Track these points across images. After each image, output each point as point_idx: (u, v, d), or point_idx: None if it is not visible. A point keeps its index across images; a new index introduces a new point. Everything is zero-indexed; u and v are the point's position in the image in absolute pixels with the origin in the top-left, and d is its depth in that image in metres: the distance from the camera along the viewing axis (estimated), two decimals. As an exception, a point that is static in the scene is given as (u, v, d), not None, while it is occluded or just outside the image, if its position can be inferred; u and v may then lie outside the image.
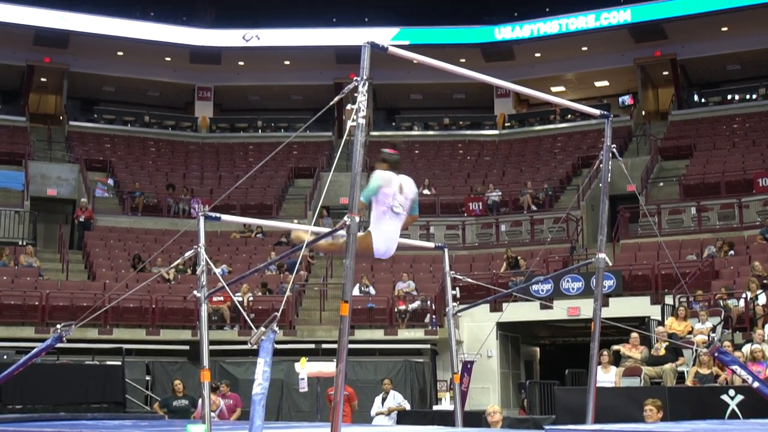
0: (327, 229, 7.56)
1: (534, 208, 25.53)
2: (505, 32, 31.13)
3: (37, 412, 14.19)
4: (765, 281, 16.93)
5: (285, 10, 31.51)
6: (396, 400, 15.31)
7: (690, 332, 15.47)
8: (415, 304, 20.49)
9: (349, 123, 5.83)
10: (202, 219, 8.10)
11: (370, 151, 28.92)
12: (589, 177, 25.38)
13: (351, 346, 5.87)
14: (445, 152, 31.31)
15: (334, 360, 5.88)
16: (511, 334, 21.38)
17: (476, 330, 19.95)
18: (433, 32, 31.37)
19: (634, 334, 14.89)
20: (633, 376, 14.42)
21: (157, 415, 14.42)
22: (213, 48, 31.48)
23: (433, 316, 19.97)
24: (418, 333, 20.06)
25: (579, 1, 30.03)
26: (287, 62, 32.27)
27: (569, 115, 31.10)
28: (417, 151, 31.48)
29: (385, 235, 6.61)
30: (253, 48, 31.51)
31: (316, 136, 31.45)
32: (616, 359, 14.98)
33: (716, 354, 8.92)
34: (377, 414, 15.20)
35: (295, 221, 24.30)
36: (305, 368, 13.91)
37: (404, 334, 20.15)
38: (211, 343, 8.55)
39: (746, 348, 14.14)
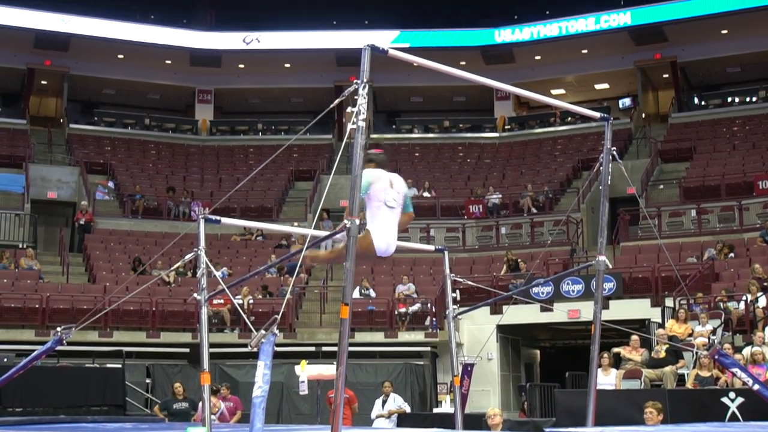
0: (325, 232, 7.56)
1: (534, 210, 25.54)
2: (505, 35, 31.15)
3: (37, 415, 14.20)
4: (765, 284, 16.92)
5: (285, 12, 31.53)
6: (396, 402, 15.30)
7: (690, 335, 15.47)
8: (416, 307, 20.50)
9: (350, 126, 5.83)
10: (202, 222, 8.11)
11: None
12: (589, 179, 25.40)
13: (351, 348, 5.87)
14: (446, 155, 31.32)
15: (335, 363, 5.88)
16: (511, 336, 21.37)
17: (476, 332, 19.95)
18: (434, 35, 31.40)
19: (635, 337, 14.89)
20: (633, 378, 14.42)
21: (157, 418, 14.43)
22: (213, 51, 31.50)
23: (434, 319, 19.97)
24: (418, 335, 20.06)
25: (579, 3, 30.05)
26: (287, 65, 32.29)
27: (569, 118, 31.11)
28: (417, 154, 31.50)
29: (384, 230, 6.57)
30: (254, 51, 31.53)
31: (316, 138, 31.46)
32: (617, 362, 14.98)
33: (716, 356, 8.93)
34: (377, 417, 15.19)
35: (295, 224, 24.33)
36: (305, 371, 13.90)
37: (404, 336, 20.15)
38: (212, 345, 8.54)
39: (746, 350, 14.13)
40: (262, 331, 6.59)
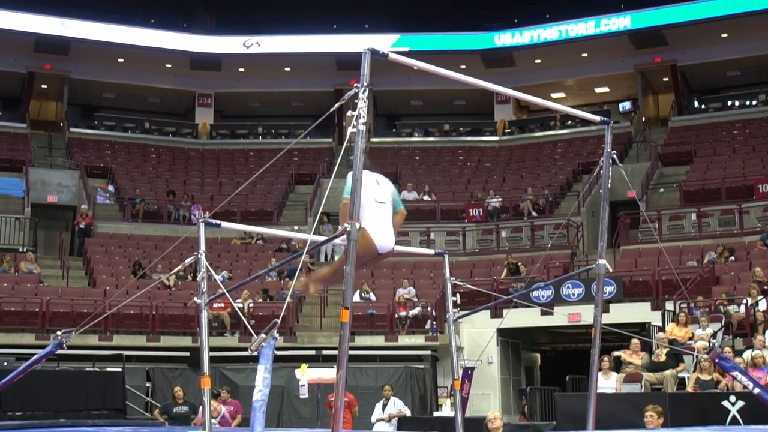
0: (323, 237, 7.56)
1: (534, 214, 25.54)
2: (505, 38, 31.18)
3: (38, 418, 14.21)
4: (765, 287, 16.92)
5: (285, 16, 31.54)
6: (396, 406, 15.30)
7: (691, 338, 15.47)
8: (416, 311, 20.49)
9: (350, 129, 5.82)
10: (202, 225, 8.11)
11: (370, 158, 29.11)
12: (589, 183, 25.41)
13: (351, 352, 5.86)
14: (446, 158, 31.33)
15: (335, 366, 5.87)
16: (511, 340, 21.37)
17: (477, 336, 19.95)
18: (434, 38, 31.43)
19: (635, 340, 14.89)
20: (634, 382, 14.41)
21: (157, 422, 14.43)
22: (213, 54, 31.52)
23: (434, 323, 19.96)
24: (418, 339, 20.05)
25: (579, 7, 30.07)
26: (288, 69, 32.31)
27: (569, 122, 31.13)
28: (417, 158, 31.52)
29: (379, 226, 6.58)
30: (254, 54, 31.55)
31: (316, 142, 31.48)
32: (617, 365, 14.98)
33: (717, 360, 8.92)
34: (378, 420, 15.19)
35: (296, 228, 24.36)
36: (306, 375, 13.90)
37: (405, 340, 20.14)
38: (212, 349, 8.54)
39: (747, 354, 14.13)
40: (263, 335, 6.59)
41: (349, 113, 5.77)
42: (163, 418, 14.37)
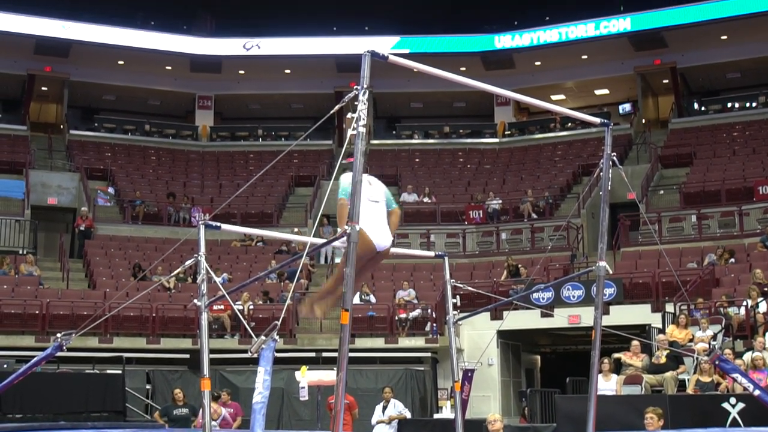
0: (324, 239, 7.55)
1: (534, 216, 25.54)
2: (505, 41, 31.17)
3: (38, 421, 14.22)
4: (766, 289, 16.91)
5: (285, 18, 31.55)
6: (397, 408, 15.29)
7: (691, 340, 15.47)
8: (416, 313, 20.48)
9: (350, 131, 5.83)
10: (202, 228, 8.11)
11: (370, 160, 29.14)
12: (589, 185, 25.40)
13: (351, 354, 5.87)
14: (446, 160, 31.33)
15: (335, 368, 5.87)
16: (511, 342, 21.37)
17: (477, 338, 19.95)
18: (433, 41, 31.42)
19: (635, 342, 14.88)
20: (634, 384, 14.41)
21: (157, 424, 14.44)
22: (213, 57, 31.52)
23: (434, 325, 19.95)
24: (418, 341, 20.04)
25: (579, 9, 30.07)
26: (288, 71, 32.31)
27: (569, 124, 31.12)
28: (417, 160, 31.52)
29: (374, 224, 6.62)
30: (254, 57, 31.55)
31: (316, 144, 31.48)
32: (617, 367, 14.97)
33: (717, 362, 8.93)
34: (378, 422, 15.18)
35: (296, 230, 24.36)
36: (306, 377, 13.90)
37: (405, 342, 20.14)
38: (212, 351, 8.54)
39: (747, 356, 14.12)
40: (263, 337, 6.60)
41: (349, 115, 5.77)
42: (163, 420, 14.38)
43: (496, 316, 19.54)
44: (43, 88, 31.48)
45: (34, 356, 9.46)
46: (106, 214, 26.69)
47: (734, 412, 11.97)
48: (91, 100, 32.67)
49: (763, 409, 8.45)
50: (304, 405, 17.19)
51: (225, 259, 24.19)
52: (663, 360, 14.60)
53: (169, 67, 31.94)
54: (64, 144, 30.25)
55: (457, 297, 10.33)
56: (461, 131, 32.65)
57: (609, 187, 8.09)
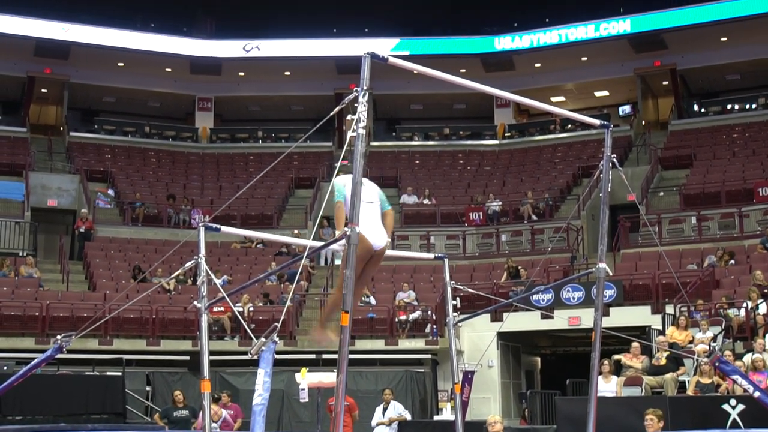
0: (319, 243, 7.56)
1: (534, 217, 25.54)
2: (505, 42, 31.18)
3: (37, 423, 14.21)
4: (766, 290, 16.92)
5: (285, 20, 31.57)
6: (397, 410, 15.30)
7: (691, 342, 15.47)
8: (416, 314, 20.48)
9: (350, 133, 5.83)
10: (202, 229, 8.10)
11: (370, 162, 29.15)
12: (589, 187, 25.40)
13: (351, 356, 5.87)
14: (446, 162, 31.33)
15: (335, 370, 5.87)
16: (511, 343, 21.37)
17: (477, 340, 19.94)
18: (434, 42, 31.44)
19: (635, 344, 14.88)
20: (634, 385, 14.41)
21: (157, 426, 14.44)
22: (213, 59, 31.54)
23: (434, 326, 19.95)
24: (418, 343, 20.04)
25: (579, 11, 30.09)
26: (288, 73, 32.33)
27: (569, 125, 31.12)
28: (417, 161, 31.52)
29: (369, 224, 6.67)
30: (254, 58, 31.57)
31: (316, 146, 31.48)
32: (617, 369, 14.97)
33: (717, 363, 8.93)
34: (378, 424, 15.18)
35: (296, 231, 24.35)
36: (306, 378, 13.90)
37: (405, 344, 20.13)
38: (212, 353, 8.53)
39: (747, 357, 14.13)
40: (263, 339, 6.59)
41: (349, 117, 5.77)
42: (164, 422, 14.37)
43: (496, 317, 19.54)
44: (43, 90, 31.50)
45: (34, 358, 9.45)
46: (106, 215, 26.68)
47: (734, 414, 11.97)
48: (91, 102, 32.69)
49: (764, 411, 8.45)
50: (304, 407, 17.19)
51: (225, 261, 24.19)
52: (663, 361, 14.60)
53: (169, 69, 31.95)
54: (64, 146, 30.24)
55: (457, 299, 10.35)
56: (461, 133, 32.65)
57: (609, 189, 8.09)
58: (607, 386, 14.08)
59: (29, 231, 24.58)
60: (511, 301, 13.87)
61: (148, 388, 18.74)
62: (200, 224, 8.13)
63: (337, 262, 23.01)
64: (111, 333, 19.66)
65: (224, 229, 8.65)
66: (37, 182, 26.74)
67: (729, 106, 30.53)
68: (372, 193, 6.87)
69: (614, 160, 8.03)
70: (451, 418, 13.94)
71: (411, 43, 31.13)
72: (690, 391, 13.73)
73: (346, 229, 5.85)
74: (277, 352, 6.83)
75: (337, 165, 7.14)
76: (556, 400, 15.14)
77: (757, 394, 8.34)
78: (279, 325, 6.56)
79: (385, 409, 15.27)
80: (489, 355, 19.59)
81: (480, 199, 26.94)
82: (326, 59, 31.28)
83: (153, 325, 20.19)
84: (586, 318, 16.93)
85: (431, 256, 11.25)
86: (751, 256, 20.49)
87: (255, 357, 6.72)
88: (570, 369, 18.81)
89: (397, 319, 20.38)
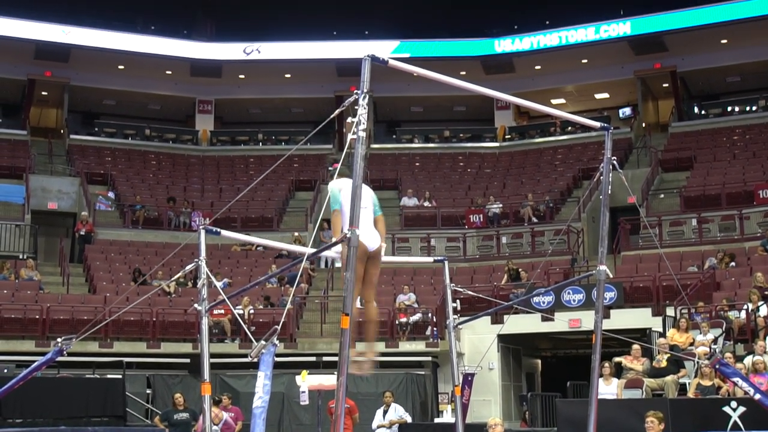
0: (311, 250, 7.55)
1: (535, 220, 25.53)
2: (505, 45, 31.20)
3: (38, 426, 14.21)
4: (766, 292, 16.91)
5: (285, 23, 31.59)
6: (397, 412, 15.29)
7: (691, 344, 15.46)
8: (416, 317, 20.48)
9: (350, 136, 5.83)
10: (202, 232, 8.11)
11: (370, 164, 29.16)
12: (589, 189, 25.41)
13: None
14: (446, 164, 31.34)
15: (335, 373, 5.87)
16: (512, 346, 21.35)
17: (477, 342, 19.92)
18: (434, 45, 31.46)
19: (636, 346, 14.88)
20: (635, 388, 14.40)
21: (157, 429, 14.43)
22: (213, 61, 31.55)
23: (434, 329, 19.94)
24: (419, 345, 20.04)
25: (579, 13, 30.10)
26: (288, 75, 32.33)
27: (569, 128, 31.12)
28: (417, 164, 31.52)
29: (363, 227, 6.67)
30: (254, 61, 31.58)
31: (316, 148, 31.47)
32: (618, 371, 14.97)
33: (718, 366, 8.93)
34: (378, 427, 15.18)
35: (296, 234, 24.38)
36: (306, 381, 13.89)
37: (405, 346, 20.13)
38: (212, 356, 8.53)
39: (748, 360, 14.11)
40: (263, 342, 6.59)
41: (349, 120, 5.77)
42: (164, 425, 14.36)
43: (497, 320, 19.52)
44: (44, 93, 31.49)
45: (34, 361, 9.46)
46: (106, 218, 26.68)
47: (735, 416, 11.95)
48: (92, 105, 32.69)
49: (764, 413, 8.45)
50: (304, 409, 17.17)
51: (225, 264, 24.18)
52: (664, 364, 14.59)
53: (170, 72, 31.96)
54: (65, 148, 30.25)
55: (458, 301, 10.31)
56: (461, 135, 32.66)
57: (609, 191, 8.09)
58: (608, 389, 14.07)
59: (29, 234, 24.58)
60: (511, 303, 13.87)
61: (148, 391, 18.73)
62: (201, 227, 8.13)
63: (338, 264, 23.01)
64: (111, 336, 19.67)
65: (224, 233, 8.66)
66: (37, 185, 26.74)
67: (729, 108, 30.53)
68: (366, 198, 6.87)
69: (614, 162, 8.04)
70: (452, 420, 13.95)
71: (411, 45, 31.15)
72: (691, 394, 13.71)
73: (346, 231, 5.85)
74: (278, 355, 6.83)
75: (331, 169, 7.15)
76: (556, 402, 15.14)
77: (757, 396, 8.34)
78: (279, 327, 6.56)
79: (385, 412, 15.27)
80: (489, 357, 19.58)
81: (480, 201, 26.94)
82: (326, 62, 31.30)
83: (153, 327, 20.18)
84: (586, 320, 16.93)
85: (431, 259, 11.25)
86: (751, 258, 20.48)
87: (255, 360, 6.72)
88: (570, 371, 18.79)
89: (397, 322, 20.38)
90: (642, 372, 14.70)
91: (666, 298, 18.91)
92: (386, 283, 23.14)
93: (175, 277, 11.09)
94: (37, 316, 19.64)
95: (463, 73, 29.91)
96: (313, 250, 7.36)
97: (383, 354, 20.11)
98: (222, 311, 19.43)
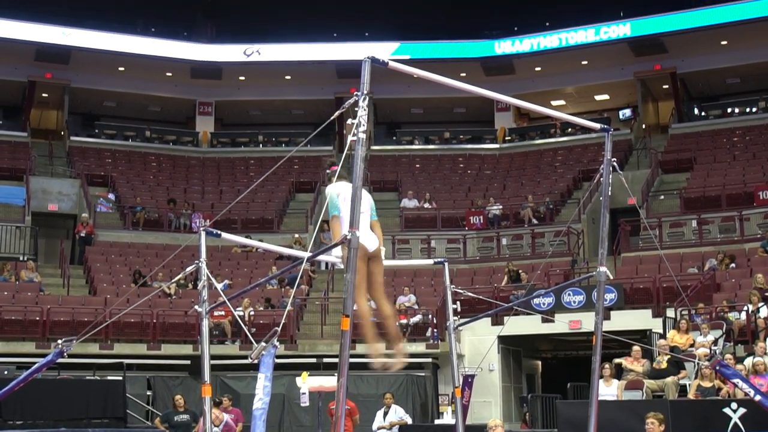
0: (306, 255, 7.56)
1: (535, 221, 25.54)
2: (505, 46, 31.22)
3: (38, 427, 14.22)
4: (766, 294, 16.91)
5: (286, 24, 31.60)
6: (397, 414, 15.29)
7: (692, 345, 15.46)
8: (417, 318, 20.48)
9: (350, 137, 5.83)
10: (203, 234, 8.11)
11: (370, 166, 29.17)
12: (589, 190, 25.42)
13: (352, 360, 5.85)
14: (446, 166, 31.35)
15: (336, 374, 5.87)
16: (512, 347, 21.34)
17: (477, 344, 19.93)
18: (434, 46, 31.47)
19: (636, 348, 14.88)
20: (635, 389, 14.40)
21: (158, 430, 14.43)
22: (214, 63, 31.57)
23: (435, 330, 19.95)
24: (419, 347, 20.03)
25: (579, 15, 30.11)
26: (288, 77, 32.34)
27: (569, 129, 31.14)
28: (418, 165, 31.53)
29: (362, 231, 6.68)
30: (254, 63, 31.60)
31: (317, 150, 31.46)
32: (618, 372, 14.97)
33: (718, 367, 8.93)
34: (379, 428, 15.18)
35: (296, 236, 24.39)
36: (306, 382, 13.89)
37: (405, 347, 20.08)
38: (212, 357, 8.54)
39: (748, 361, 14.12)
40: (263, 343, 6.60)
41: (349, 121, 5.77)
42: (164, 426, 14.36)
43: (497, 321, 19.53)
44: (44, 95, 31.51)
45: (34, 363, 9.46)
46: (106, 220, 26.69)
47: (735, 418, 11.96)
48: (92, 107, 32.70)
49: (765, 415, 8.45)
50: (305, 411, 17.16)
51: (226, 265, 24.18)
52: (664, 365, 14.59)
53: (170, 74, 31.98)
54: (65, 150, 30.26)
55: (458, 302, 10.32)
56: (461, 137, 32.67)
57: (609, 193, 8.10)
58: (608, 390, 14.07)
59: (30, 235, 24.59)
60: (511, 304, 13.88)
61: (148, 393, 18.73)
62: (201, 228, 8.14)
63: (339, 266, 23.02)
64: (112, 337, 19.67)
65: (224, 235, 8.67)
66: (37, 187, 26.75)
67: (729, 110, 30.53)
68: (364, 202, 6.87)
69: (614, 163, 8.04)
70: (452, 422, 13.95)
71: (411, 47, 31.16)
72: (691, 395, 13.72)
73: (346, 233, 5.86)
74: (278, 357, 6.84)
75: (329, 171, 7.13)
76: (557, 403, 15.14)
77: (758, 397, 8.34)
78: (279, 329, 6.57)
79: (385, 413, 15.27)
80: (490, 358, 19.57)
81: (480, 202, 26.95)
82: (326, 63, 31.33)
83: (154, 329, 20.18)
84: (586, 322, 16.93)
85: (431, 261, 11.26)
86: (751, 260, 20.48)
87: (256, 361, 6.72)
88: (571, 373, 18.81)
89: (397, 323, 20.35)
90: (642, 373, 14.70)
91: (666, 300, 18.91)
92: (386, 284, 22.93)
93: (176, 278, 11.11)
94: (38, 318, 19.64)
95: (463, 74, 29.94)
96: (312, 253, 7.36)
97: (384, 355, 20.12)
98: (222, 313, 19.43)
